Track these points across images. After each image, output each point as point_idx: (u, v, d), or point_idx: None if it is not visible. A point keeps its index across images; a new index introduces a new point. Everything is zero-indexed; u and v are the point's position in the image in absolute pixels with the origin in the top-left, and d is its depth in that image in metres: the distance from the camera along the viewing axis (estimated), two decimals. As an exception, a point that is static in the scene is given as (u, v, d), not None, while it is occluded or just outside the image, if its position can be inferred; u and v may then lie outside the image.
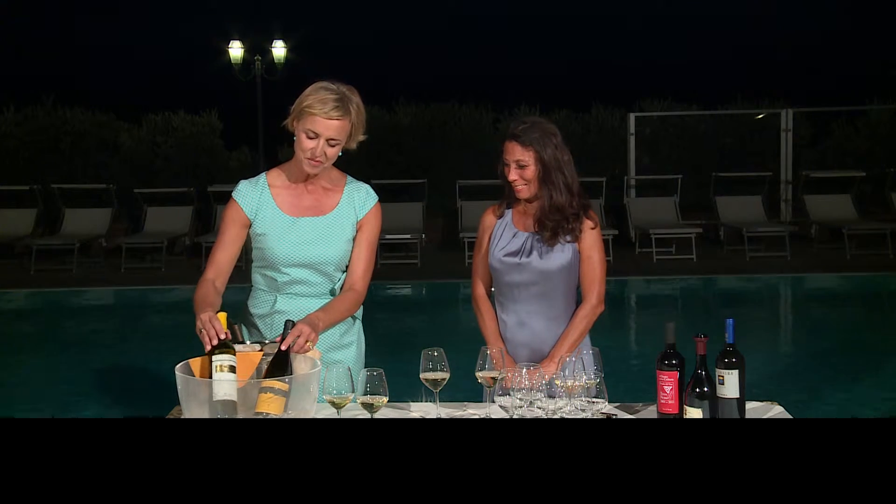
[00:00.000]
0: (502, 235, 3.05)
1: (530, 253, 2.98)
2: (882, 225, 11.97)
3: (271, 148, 14.54)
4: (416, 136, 14.62)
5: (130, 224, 13.33)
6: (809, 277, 11.01)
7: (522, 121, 2.97)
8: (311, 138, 2.69)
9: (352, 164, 3.14)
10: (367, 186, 2.95)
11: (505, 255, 3.01)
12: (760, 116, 14.60)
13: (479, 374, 2.59)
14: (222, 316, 2.50)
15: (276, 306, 2.86)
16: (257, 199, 2.84)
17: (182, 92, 16.70)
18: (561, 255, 2.97)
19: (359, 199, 2.88)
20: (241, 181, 2.90)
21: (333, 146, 2.72)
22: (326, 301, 2.85)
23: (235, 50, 14.98)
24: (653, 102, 14.88)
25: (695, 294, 10.79)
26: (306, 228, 2.82)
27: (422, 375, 2.56)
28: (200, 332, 2.47)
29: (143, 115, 14.83)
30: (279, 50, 15.20)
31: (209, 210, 12.91)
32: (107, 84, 21.25)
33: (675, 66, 23.56)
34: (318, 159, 2.72)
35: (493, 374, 2.56)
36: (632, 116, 13.74)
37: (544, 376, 2.47)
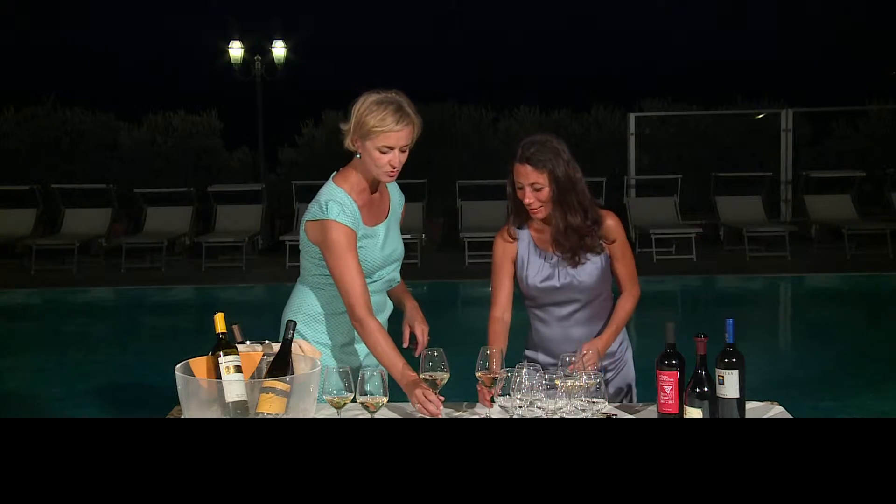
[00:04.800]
0: (530, 261, 3.01)
1: (565, 273, 2.97)
2: (882, 225, 11.95)
3: (271, 148, 14.52)
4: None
5: (130, 224, 13.32)
6: (809, 277, 11.00)
7: (530, 142, 2.90)
8: (385, 153, 2.79)
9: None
10: (396, 184, 3.06)
11: (542, 282, 2.99)
12: (760, 116, 14.59)
13: (479, 374, 2.59)
14: (220, 316, 2.47)
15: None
16: (353, 217, 2.84)
17: (182, 92, 16.69)
18: (594, 265, 2.98)
19: (396, 198, 3.05)
20: (331, 203, 2.81)
21: (404, 151, 2.83)
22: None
23: (235, 50, 14.94)
24: (653, 102, 14.86)
25: (695, 294, 10.79)
26: (383, 233, 2.93)
27: (422, 375, 2.57)
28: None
29: (143, 115, 14.82)
30: (279, 50, 15.16)
31: (209, 210, 12.89)
32: (107, 84, 21.24)
33: (675, 66, 23.56)
34: (396, 168, 2.83)
35: (493, 374, 2.57)
36: (632, 116, 13.72)
37: (581, 363, 2.57)
